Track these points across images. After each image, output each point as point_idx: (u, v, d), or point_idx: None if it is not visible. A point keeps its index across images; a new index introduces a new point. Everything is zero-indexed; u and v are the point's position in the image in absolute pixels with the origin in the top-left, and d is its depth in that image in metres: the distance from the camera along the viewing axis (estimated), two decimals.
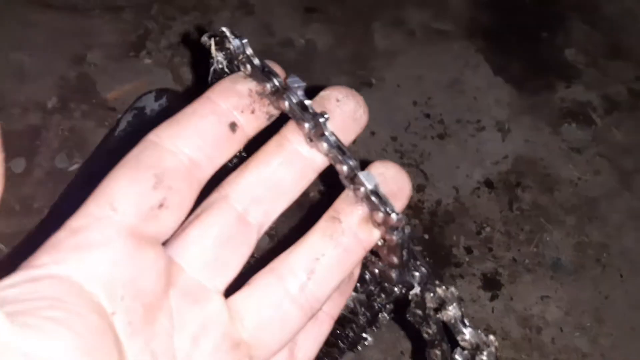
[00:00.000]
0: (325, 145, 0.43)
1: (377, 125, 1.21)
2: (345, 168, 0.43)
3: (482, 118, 1.25)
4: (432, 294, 0.47)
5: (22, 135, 1.11)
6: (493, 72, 1.31)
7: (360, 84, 1.26)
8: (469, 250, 1.11)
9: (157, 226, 0.39)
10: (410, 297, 0.49)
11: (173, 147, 0.40)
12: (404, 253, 0.45)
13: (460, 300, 0.47)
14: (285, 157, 0.44)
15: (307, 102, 0.43)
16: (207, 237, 0.43)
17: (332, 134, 0.42)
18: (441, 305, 0.47)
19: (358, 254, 0.44)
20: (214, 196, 0.43)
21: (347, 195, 0.44)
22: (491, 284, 1.09)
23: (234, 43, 0.44)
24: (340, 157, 0.43)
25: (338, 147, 0.43)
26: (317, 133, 0.42)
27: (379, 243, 0.46)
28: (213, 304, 0.42)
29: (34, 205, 1.06)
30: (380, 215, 0.42)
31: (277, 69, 0.43)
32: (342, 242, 0.43)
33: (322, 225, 0.44)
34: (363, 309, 0.53)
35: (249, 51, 0.43)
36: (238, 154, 0.49)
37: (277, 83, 0.42)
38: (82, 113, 1.14)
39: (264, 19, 1.30)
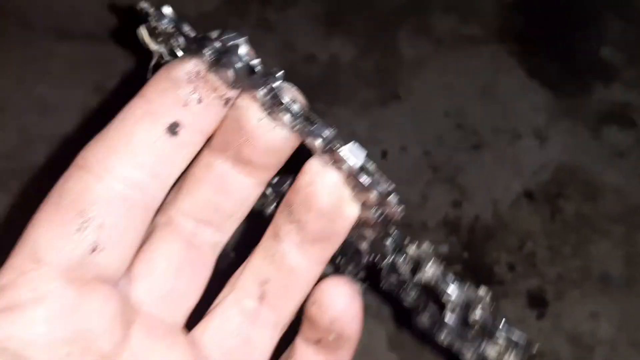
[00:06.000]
0: (286, 117, 0.36)
1: (407, 140, 1.16)
2: (318, 142, 0.36)
3: (518, 125, 1.20)
4: (402, 258, 0.42)
5: (48, 170, 1.09)
6: (527, 76, 1.25)
7: (388, 97, 1.22)
8: (511, 267, 1.07)
9: (98, 270, 0.34)
10: (380, 266, 0.43)
11: (102, 171, 0.34)
12: (382, 231, 0.40)
13: (438, 256, 0.42)
14: (214, 183, 0.39)
15: (253, 62, 0.35)
16: (156, 270, 0.38)
17: (294, 100, 0.36)
18: (416, 266, 0.42)
19: (310, 272, 0.40)
20: (157, 220, 0.39)
21: (283, 208, 0.39)
22: (537, 301, 1.04)
23: (156, 17, 0.37)
24: (309, 130, 0.36)
25: (304, 116, 0.36)
26: (275, 102, 0.35)
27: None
28: (178, 341, 0.39)
29: None
30: (373, 196, 0.37)
31: (217, 32, 0.36)
32: (285, 265, 0.39)
33: (263, 245, 0.40)
34: None
35: (172, 15, 0.37)
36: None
37: (212, 48, 0.35)
38: None
39: (285, 36, 1.26)
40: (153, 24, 0.37)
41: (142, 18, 0.37)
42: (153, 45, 0.38)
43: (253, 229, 0.45)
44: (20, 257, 0.33)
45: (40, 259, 0.33)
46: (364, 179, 0.36)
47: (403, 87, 1.23)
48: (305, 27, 1.28)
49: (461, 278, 0.44)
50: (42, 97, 1.15)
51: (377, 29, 1.29)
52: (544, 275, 1.06)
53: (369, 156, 0.37)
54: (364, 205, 0.38)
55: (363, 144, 0.37)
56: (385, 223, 0.39)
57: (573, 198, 1.13)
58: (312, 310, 0.39)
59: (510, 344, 0.42)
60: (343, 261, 0.44)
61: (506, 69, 1.26)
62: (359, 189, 0.37)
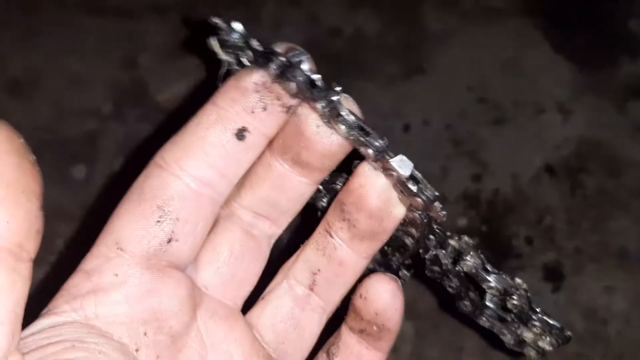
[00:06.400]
0: (342, 127, 0.39)
1: (430, 114, 1.17)
2: (371, 152, 0.39)
3: (542, 100, 1.20)
4: (444, 251, 0.45)
5: (81, 142, 1.14)
6: (552, 49, 1.25)
7: (412, 71, 1.23)
8: (529, 241, 1.08)
9: (172, 258, 0.38)
10: (424, 257, 0.47)
11: (178, 170, 0.38)
12: (427, 229, 0.44)
13: (477, 249, 0.46)
14: (274, 182, 0.42)
15: (314, 76, 0.38)
16: (219, 257, 0.42)
17: (350, 112, 0.39)
18: (458, 256, 0.46)
19: (358, 264, 0.44)
20: (220, 212, 0.42)
21: (335, 207, 0.42)
22: (553, 275, 1.06)
23: (227, 31, 0.40)
24: (363, 139, 0.39)
25: (359, 127, 0.39)
26: (333, 113, 0.38)
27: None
28: (237, 323, 0.43)
29: (96, 210, 1.10)
30: (419, 201, 0.40)
31: (283, 46, 0.40)
32: (336, 258, 0.43)
33: (316, 239, 0.44)
34: (382, 269, 0.51)
35: (242, 31, 0.40)
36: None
37: (278, 62, 0.38)
38: (136, 117, 1.16)
39: (311, 9, 1.27)
40: (224, 37, 0.40)
41: (213, 31, 0.41)
42: (222, 56, 0.41)
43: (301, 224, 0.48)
44: (104, 245, 0.37)
45: (123, 248, 0.37)
46: (412, 186, 0.39)
47: (427, 61, 1.24)
48: (330, 0, 1.29)
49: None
50: (74, 72, 1.19)
51: (402, 2, 1.30)
52: (561, 249, 1.08)
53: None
54: (411, 208, 0.41)
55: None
56: (429, 224, 0.43)
57: (595, 173, 1.14)
58: (358, 302, 0.43)
59: (546, 329, 0.45)
60: (390, 251, 0.49)
61: (531, 42, 1.25)
62: (406, 194, 0.40)
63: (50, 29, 1.21)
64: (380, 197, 0.40)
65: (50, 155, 1.11)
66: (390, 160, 0.38)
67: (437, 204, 0.40)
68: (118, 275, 0.37)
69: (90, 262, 0.38)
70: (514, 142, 1.17)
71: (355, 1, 1.29)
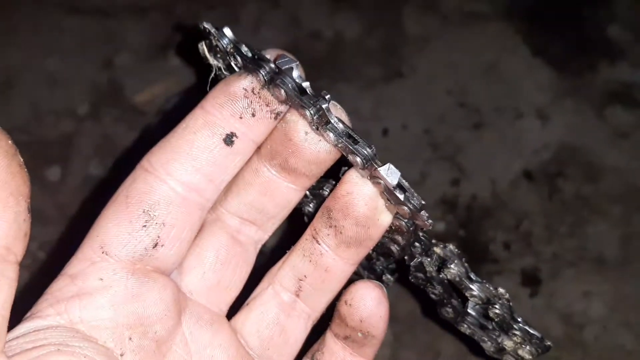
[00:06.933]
0: (331, 135, 0.39)
1: (409, 118, 1.17)
2: (359, 159, 0.39)
3: (521, 104, 1.20)
4: (429, 258, 0.46)
5: (57, 143, 1.13)
6: (532, 54, 1.25)
7: (392, 75, 1.22)
8: (507, 246, 1.08)
9: (158, 263, 0.38)
10: (410, 264, 0.48)
11: (165, 175, 0.38)
12: (412, 237, 0.45)
13: (462, 257, 0.47)
14: (261, 187, 0.42)
15: (304, 84, 0.39)
16: (205, 262, 0.43)
17: (339, 120, 0.39)
18: (442, 264, 0.47)
19: (344, 271, 0.44)
20: (207, 217, 0.43)
21: (322, 213, 0.43)
22: (531, 280, 1.06)
23: (217, 36, 0.40)
24: (352, 147, 0.39)
25: (348, 135, 0.39)
26: (322, 121, 0.39)
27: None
28: (222, 329, 0.43)
29: (71, 212, 1.08)
30: (406, 210, 0.40)
31: (273, 52, 0.40)
32: (322, 264, 0.43)
33: (302, 245, 0.44)
34: (367, 272, 0.52)
35: (232, 37, 0.40)
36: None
37: (268, 68, 0.39)
38: (113, 118, 1.15)
39: (292, 11, 1.27)
40: (214, 42, 0.40)
41: (203, 35, 0.41)
42: (212, 60, 0.42)
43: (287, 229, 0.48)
44: (89, 249, 0.38)
45: (108, 252, 0.37)
46: (399, 195, 0.39)
47: (407, 65, 1.24)
48: (310, 3, 1.29)
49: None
50: (52, 72, 1.18)
51: (382, 6, 1.29)
52: (539, 254, 1.07)
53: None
54: (397, 216, 0.42)
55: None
56: (415, 232, 0.44)
57: (573, 178, 1.14)
58: (343, 309, 0.43)
59: (526, 338, 0.46)
60: (375, 256, 0.49)
61: (511, 47, 1.25)
62: (393, 202, 0.40)
63: (29, 26, 1.20)
64: (367, 204, 0.40)
65: (25, 156, 1.09)
66: (378, 168, 0.39)
67: (423, 212, 0.41)
68: (103, 279, 0.37)
69: (75, 265, 0.38)
70: (493, 146, 1.17)
71: (335, 4, 1.28)
